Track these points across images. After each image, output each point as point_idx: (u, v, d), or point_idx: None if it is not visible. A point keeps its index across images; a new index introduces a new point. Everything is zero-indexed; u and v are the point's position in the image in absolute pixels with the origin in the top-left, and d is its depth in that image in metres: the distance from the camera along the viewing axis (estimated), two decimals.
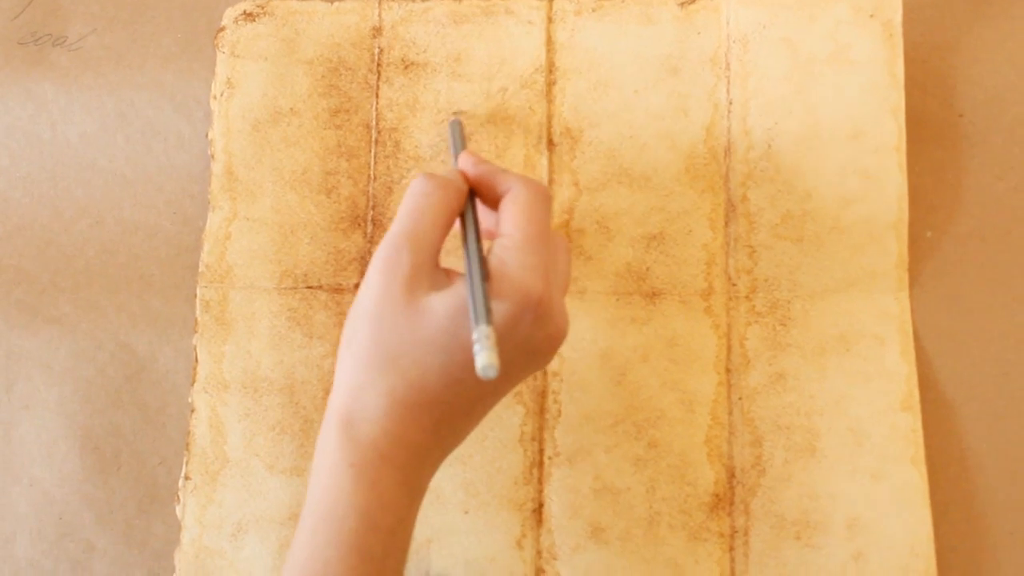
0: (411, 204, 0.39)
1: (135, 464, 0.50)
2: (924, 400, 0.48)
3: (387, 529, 0.37)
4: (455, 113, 0.51)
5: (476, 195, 0.42)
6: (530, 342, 0.38)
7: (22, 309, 0.51)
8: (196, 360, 0.49)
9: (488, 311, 0.35)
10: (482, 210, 0.42)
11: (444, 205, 0.39)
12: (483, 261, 0.38)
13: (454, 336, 0.37)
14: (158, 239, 0.52)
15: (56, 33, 0.54)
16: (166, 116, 0.53)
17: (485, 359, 0.34)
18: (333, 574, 0.36)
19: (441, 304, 0.37)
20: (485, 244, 0.40)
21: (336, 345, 0.49)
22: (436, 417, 0.38)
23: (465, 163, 0.42)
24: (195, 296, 0.50)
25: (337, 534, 0.36)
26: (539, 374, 0.48)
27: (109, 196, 0.52)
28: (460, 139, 0.47)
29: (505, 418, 0.48)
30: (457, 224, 0.41)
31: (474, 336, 0.35)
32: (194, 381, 0.49)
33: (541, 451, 0.48)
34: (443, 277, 0.39)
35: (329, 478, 0.37)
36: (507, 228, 0.39)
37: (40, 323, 0.51)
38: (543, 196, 0.40)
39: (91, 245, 0.52)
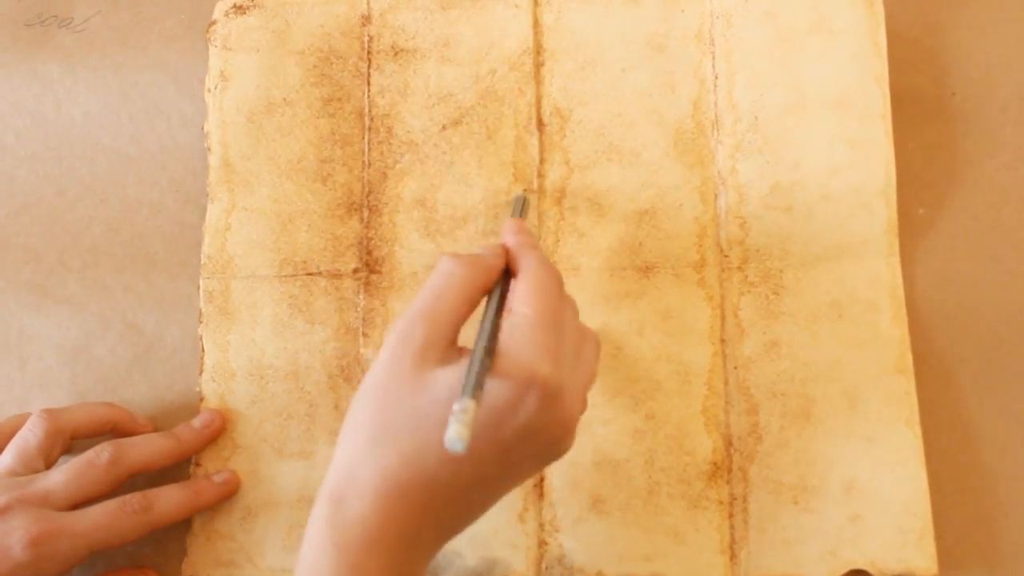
0: (433, 282, 0.38)
1: None
2: (921, 372, 0.48)
3: None
4: (525, 190, 0.50)
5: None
6: (534, 425, 0.36)
7: (32, 289, 0.52)
8: (203, 350, 0.50)
9: (478, 386, 0.34)
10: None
11: (467, 283, 0.38)
12: (494, 337, 0.37)
13: None
14: (161, 216, 0.53)
15: (62, 15, 0.55)
16: (169, 96, 0.54)
17: (454, 431, 0.32)
18: None
19: (445, 378, 0.36)
20: None
21: (337, 330, 0.50)
22: (429, 497, 0.36)
23: (507, 230, 0.42)
24: (199, 274, 0.51)
25: None
26: None
27: (113, 174, 0.53)
28: (519, 211, 0.47)
29: None
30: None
31: (454, 407, 0.33)
32: (201, 371, 0.50)
33: None
34: (455, 354, 0.37)
35: (312, 554, 0.36)
36: (519, 307, 0.38)
37: (50, 303, 0.52)
38: (556, 278, 0.39)
39: (96, 223, 0.53)
